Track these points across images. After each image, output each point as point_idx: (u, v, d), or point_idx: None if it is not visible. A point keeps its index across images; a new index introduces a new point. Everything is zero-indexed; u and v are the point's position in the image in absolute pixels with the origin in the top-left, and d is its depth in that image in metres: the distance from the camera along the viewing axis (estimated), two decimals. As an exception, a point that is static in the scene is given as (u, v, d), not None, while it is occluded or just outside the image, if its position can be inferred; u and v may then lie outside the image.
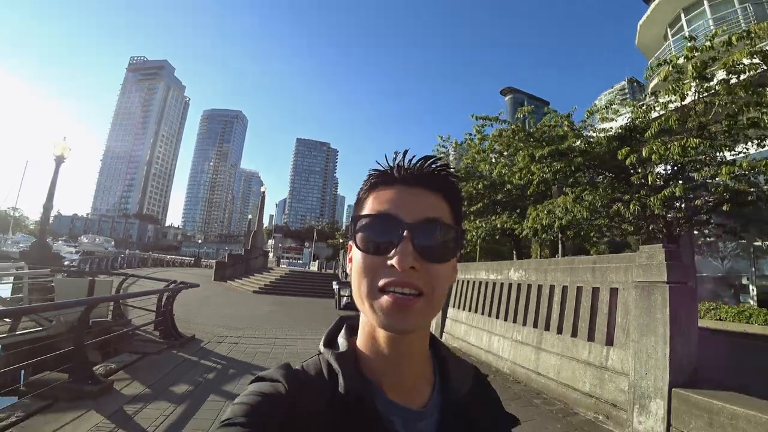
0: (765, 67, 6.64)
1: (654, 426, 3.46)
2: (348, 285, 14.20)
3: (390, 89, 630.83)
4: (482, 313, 7.14)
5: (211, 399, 4.14)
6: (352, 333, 0.61)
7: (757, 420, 2.73)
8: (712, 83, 7.05)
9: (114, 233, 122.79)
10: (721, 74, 6.94)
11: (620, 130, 8.28)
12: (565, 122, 8.77)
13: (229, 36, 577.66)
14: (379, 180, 0.58)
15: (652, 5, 18.58)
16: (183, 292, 7.77)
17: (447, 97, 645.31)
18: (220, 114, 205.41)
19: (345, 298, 13.46)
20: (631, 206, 6.94)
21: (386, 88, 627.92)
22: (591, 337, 4.43)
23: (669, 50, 18.37)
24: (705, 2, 17.13)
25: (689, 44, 7.41)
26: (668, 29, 18.99)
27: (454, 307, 8.44)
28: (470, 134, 13.63)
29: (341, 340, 0.60)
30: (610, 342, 4.19)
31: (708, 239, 13.31)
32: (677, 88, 7.10)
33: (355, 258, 0.55)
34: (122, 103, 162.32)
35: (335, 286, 14.33)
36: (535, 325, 5.38)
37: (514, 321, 6.04)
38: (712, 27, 16.68)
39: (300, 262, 40.34)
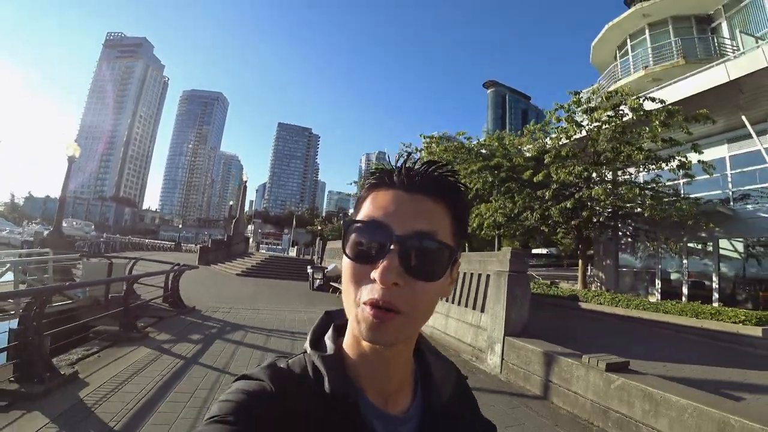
0: (620, 118, 8.97)
1: (496, 360, 5.67)
2: (320, 269, 16.28)
3: (373, 77, 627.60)
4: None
5: (216, 342, 6.14)
6: (339, 334, 0.60)
7: (534, 350, 4.97)
8: (590, 126, 9.36)
9: (90, 216, 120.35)
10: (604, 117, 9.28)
11: (535, 153, 10.57)
12: (495, 142, 11.01)
13: (211, 15, 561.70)
14: (379, 182, 0.56)
15: (604, 29, 20.88)
16: (159, 276, 9.60)
17: (431, 86, 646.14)
18: (200, 95, 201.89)
19: (317, 281, 15.49)
20: (534, 215, 9.25)
21: (369, 76, 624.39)
22: (474, 307, 6.61)
23: (617, 70, 20.85)
24: (646, 31, 19.49)
25: (574, 98, 9.69)
26: (617, 51, 21.38)
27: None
28: (420, 149, 15.96)
29: (328, 342, 0.60)
30: (482, 309, 6.37)
31: (628, 239, 15.89)
32: (564, 130, 9.39)
33: (344, 263, 0.54)
34: (98, 80, 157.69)
35: (309, 270, 16.36)
36: (446, 300, 7.56)
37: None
38: (650, 53, 19.24)
39: (279, 247, 42.08)
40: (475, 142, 12.44)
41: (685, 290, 14.17)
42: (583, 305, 10.67)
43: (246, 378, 0.53)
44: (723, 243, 13.61)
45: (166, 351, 5.44)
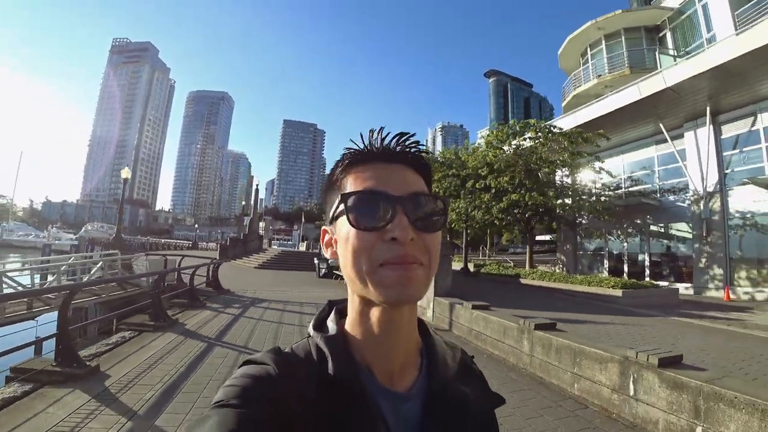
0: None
1: (430, 313, 8.72)
2: (325, 260, 19.42)
3: (375, 69, 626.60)
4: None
5: (251, 309, 9.24)
6: (341, 317, 0.63)
7: (445, 303, 8.06)
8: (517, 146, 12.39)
9: (106, 218, 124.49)
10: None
11: (477, 165, 13.80)
12: (452, 155, 14.12)
13: (212, 15, 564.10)
14: (357, 158, 0.59)
15: (566, 40, 23.52)
16: (202, 268, 12.72)
17: (435, 75, 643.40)
18: (206, 96, 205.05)
19: (323, 270, 18.65)
20: (479, 213, 12.35)
21: (371, 68, 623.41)
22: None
23: (579, 76, 23.53)
24: (603, 42, 22.09)
25: (495, 126, 12.71)
26: (581, 58, 24.01)
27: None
28: None
29: (330, 324, 0.61)
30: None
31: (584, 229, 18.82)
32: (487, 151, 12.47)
33: (347, 237, 0.54)
34: (106, 86, 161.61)
35: (316, 261, 19.55)
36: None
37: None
38: (606, 58, 21.87)
39: (290, 243, 45.28)
40: (437, 154, 15.85)
41: (625, 268, 17.10)
42: (522, 281, 13.70)
43: (250, 363, 0.55)
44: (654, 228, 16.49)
45: (220, 313, 8.59)
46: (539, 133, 13.98)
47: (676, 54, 19.41)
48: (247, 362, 0.55)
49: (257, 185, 32.62)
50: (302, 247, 38.12)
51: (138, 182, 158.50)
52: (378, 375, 0.57)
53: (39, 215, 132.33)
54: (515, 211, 13.30)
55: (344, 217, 0.54)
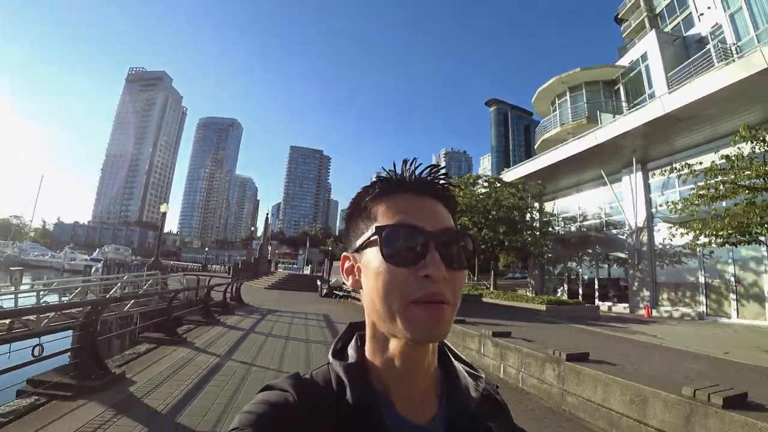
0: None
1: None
2: (326, 282, 22.52)
3: (379, 97, 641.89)
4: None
5: (265, 319, 12.28)
6: (363, 343, 0.61)
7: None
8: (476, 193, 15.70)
9: (116, 240, 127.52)
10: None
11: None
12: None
13: (224, 44, 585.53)
14: (388, 188, 0.58)
15: (536, 92, 27.16)
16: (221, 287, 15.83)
17: (438, 102, 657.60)
18: (216, 122, 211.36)
19: (324, 290, 21.73)
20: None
21: (376, 97, 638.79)
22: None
23: (549, 122, 27.03)
24: (567, 94, 25.66)
25: (472, 176, 16.05)
26: (551, 106, 27.60)
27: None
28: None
29: (351, 351, 0.60)
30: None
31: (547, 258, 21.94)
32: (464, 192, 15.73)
33: (378, 271, 0.53)
34: (121, 112, 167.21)
35: (318, 283, 22.67)
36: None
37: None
38: (569, 109, 25.35)
39: (295, 266, 48.44)
40: None
41: (580, 290, 20.09)
42: (484, 299, 16.67)
43: (270, 388, 0.55)
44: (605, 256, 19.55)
45: (245, 317, 11.70)
46: (486, 183, 17.57)
47: (627, 105, 22.92)
48: (266, 387, 0.56)
49: (267, 214, 35.89)
50: (306, 271, 41.21)
51: (148, 205, 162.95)
52: (398, 405, 0.56)
53: (51, 235, 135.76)
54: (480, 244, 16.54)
55: (374, 249, 0.54)
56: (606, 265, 19.29)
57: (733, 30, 18.56)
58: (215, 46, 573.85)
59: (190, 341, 7.57)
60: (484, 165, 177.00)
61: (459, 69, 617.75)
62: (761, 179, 8.10)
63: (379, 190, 0.58)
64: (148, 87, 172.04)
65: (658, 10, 30.12)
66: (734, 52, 17.48)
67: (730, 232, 8.82)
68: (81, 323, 4.73)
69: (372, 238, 0.55)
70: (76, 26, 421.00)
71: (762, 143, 8.06)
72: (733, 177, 8.68)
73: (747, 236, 8.78)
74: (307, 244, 65.78)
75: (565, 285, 21.14)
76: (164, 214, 17.76)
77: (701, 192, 9.47)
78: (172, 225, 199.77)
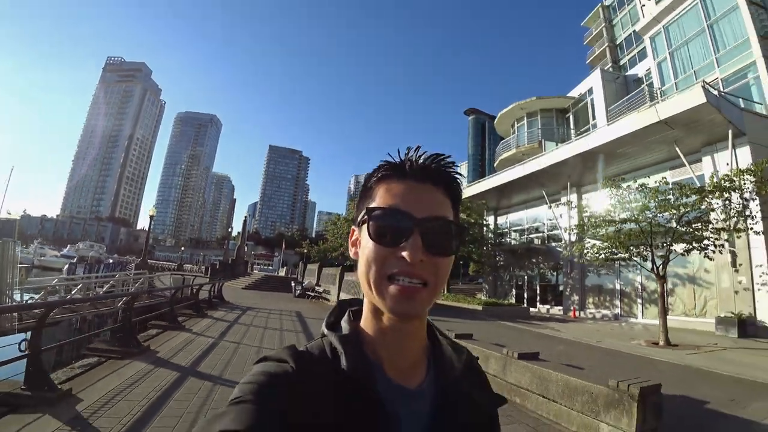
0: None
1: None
2: (300, 283, 24.55)
3: (363, 101, 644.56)
4: (347, 293, 17.66)
5: (246, 314, 14.28)
6: (355, 318, 0.66)
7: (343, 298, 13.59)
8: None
9: (86, 236, 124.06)
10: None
11: None
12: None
13: (206, 39, 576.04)
14: (390, 172, 0.63)
15: (498, 116, 30.01)
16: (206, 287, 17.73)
17: (417, 110, 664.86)
18: (195, 117, 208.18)
19: (298, 291, 23.74)
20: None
21: (359, 100, 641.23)
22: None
23: (509, 143, 29.84)
24: (524, 119, 28.52)
25: None
26: (511, 128, 30.46)
27: (343, 292, 18.92)
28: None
29: (344, 324, 0.65)
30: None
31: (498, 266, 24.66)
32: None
33: (365, 246, 0.60)
34: (97, 103, 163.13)
35: (293, 284, 24.68)
36: (332, 284, 15.88)
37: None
38: (526, 133, 28.17)
39: (271, 268, 49.98)
40: None
41: (525, 294, 22.84)
42: (436, 301, 19.11)
43: (266, 359, 0.58)
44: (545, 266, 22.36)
45: (228, 312, 13.68)
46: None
47: (575, 132, 25.88)
48: (263, 359, 0.58)
49: (246, 217, 37.51)
50: (282, 272, 42.94)
51: (121, 201, 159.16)
52: (389, 372, 0.61)
53: (19, 229, 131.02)
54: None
55: (365, 227, 0.60)
56: (547, 273, 22.07)
57: (659, 76, 21.68)
58: (197, 38, 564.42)
59: (188, 328, 9.60)
60: (461, 172, 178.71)
61: (441, 78, 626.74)
62: (627, 214, 10.83)
63: (382, 174, 0.64)
64: (126, 78, 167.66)
65: (618, 41, 33.72)
66: (659, 95, 20.55)
67: (607, 252, 11.63)
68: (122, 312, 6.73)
69: (364, 217, 0.61)
70: (48, 8, 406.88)
71: (617, 189, 10.89)
72: (602, 212, 11.57)
73: (616, 255, 11.59)
74: (283, 246, 67.16)
75: (514, 290, 23.88)
76: (152, 217, 19.38)
77: (584, 221, 12.30)
78: (145, 221, 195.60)
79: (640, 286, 16.78)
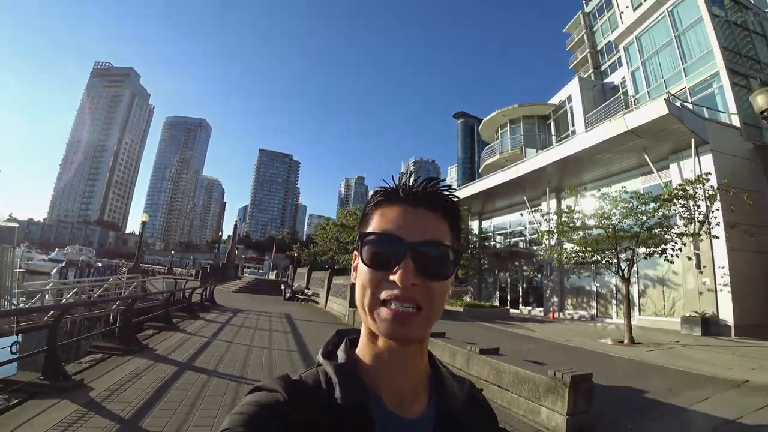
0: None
1: (344, 310, 14.65)
2: (290, 287, 25.10)
3: (354, 104, 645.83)
4: (335, 296, 18.27)
5: (237, 316, 14.81)
6: (352, 346, 0.66)
7: (330, 299, 14.32)
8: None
9: (74, 240, 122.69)
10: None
11: None
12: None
13: (195, 43, 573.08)
14: (384, 198, 0.63)
15: (482, 122, 30.87)
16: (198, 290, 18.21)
17: (407, 112, 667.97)
18: (184, 121, 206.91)
19: (287, 294, 24.27)
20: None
21: (350, 104, 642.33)
22: (339, 296, 15.61)
23: (493, 149, 30.68)
24: (507, 125, 29.38)
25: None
26: (495, 134, 31.32)
27: (331, 295, 19.52)
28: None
29: (340, 353, 0.64)
30: (329, 293, 15.41)
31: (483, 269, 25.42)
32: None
33: (361, 271, 0.61)
34: (84, 107, 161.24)
35: (282, 287, 25.22)
36: (327, 292, 16.49)
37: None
38: (509, 139, 29.03)
39: (261, 271, 50.24)
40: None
41: (508, 296, 23.62)
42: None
43: (259, 390, 0.57)
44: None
45: (220, 315, 14.20)
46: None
47: (557, 138, 26.78)
48: (255, 389, 0.57)
49: (236, 221, 37.89)
50: (272, 276, 43.33)
51: (110, 204, 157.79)
52: (388, 401, 0.60)
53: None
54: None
55: (361, 251, 0.61)
56: (530, 276, 22.88)
57: (633, 84, 22.68)
58: (186, 42, 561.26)
59: (183, 329, 10.14)
60: (452, 175, 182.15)
61: (432, 81, 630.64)
62: (594, 221, 11.65)
63: (378, 200, 0.64)
64: (115, 83, 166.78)
65: (599, 47, 34.90)
66: (633, 103, 21.52)
67: (577, 256, 12.45)
68: (122, 313, 7.28)
69: (359, 242, 0.63)
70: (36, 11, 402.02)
71: (582, 197, 11.74)
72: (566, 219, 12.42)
73: (586, 259, 12.41)
74: (273, 250, 67.33)
75: (498, 292, 24.66)
76: (144, 223, 19.80)
77: (559, 227, 13.13)
78: (134, 225, 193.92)
79: (614, 288, 17.60)
